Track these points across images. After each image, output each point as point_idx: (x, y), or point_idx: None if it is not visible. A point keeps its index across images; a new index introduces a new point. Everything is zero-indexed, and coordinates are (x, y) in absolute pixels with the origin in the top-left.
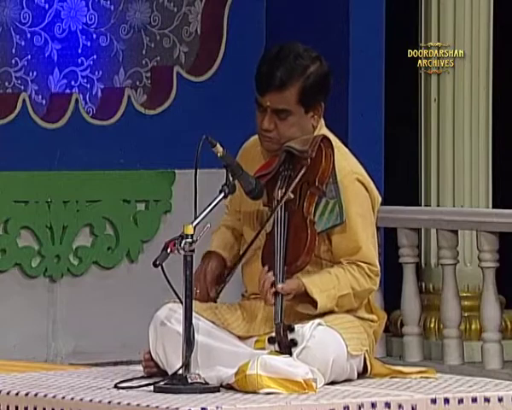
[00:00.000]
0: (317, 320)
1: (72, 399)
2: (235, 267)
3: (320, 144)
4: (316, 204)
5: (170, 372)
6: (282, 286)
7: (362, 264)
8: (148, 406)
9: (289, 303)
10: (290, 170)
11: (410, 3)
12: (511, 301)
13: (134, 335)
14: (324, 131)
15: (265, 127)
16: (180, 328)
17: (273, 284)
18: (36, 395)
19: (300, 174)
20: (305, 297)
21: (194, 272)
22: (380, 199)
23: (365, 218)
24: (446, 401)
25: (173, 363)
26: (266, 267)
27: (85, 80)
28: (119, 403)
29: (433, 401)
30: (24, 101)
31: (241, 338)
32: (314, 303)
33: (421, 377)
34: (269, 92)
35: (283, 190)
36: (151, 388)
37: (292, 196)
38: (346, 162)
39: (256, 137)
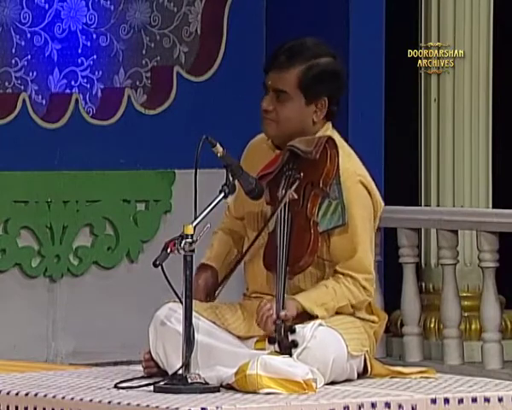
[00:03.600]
0: (318, 321)
1: (72, 399)
2: (234, 269)
3: (325, 145)
4: (319, 205)
5: (170, 372)
6: (285, 313)
7: (357, 275)
8: (148, 406)
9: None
10: (294, 170)
11: (410, 3)
12: (511, 301)
13: (134, 335)
14: (330, 132)
15: (264, 107)
16: (180, 328)
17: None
18: (36, 395)
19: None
20: (305, 314)
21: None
22: (382, 204)
23: (365, 221)
24: (446, 401)
25: (173, 363)
26: (265, 301)
27: (85, 80)
28: (119, 403)
29: (433, 401)
30: (24, 101)
31: (241, 338)
32: (312, 318)
33: (421, 377)
34: (271, 71)
35: (287, 190)
36: (151, 388)
37: (295, 196)
38: (349, 164)
39: (263, 134)
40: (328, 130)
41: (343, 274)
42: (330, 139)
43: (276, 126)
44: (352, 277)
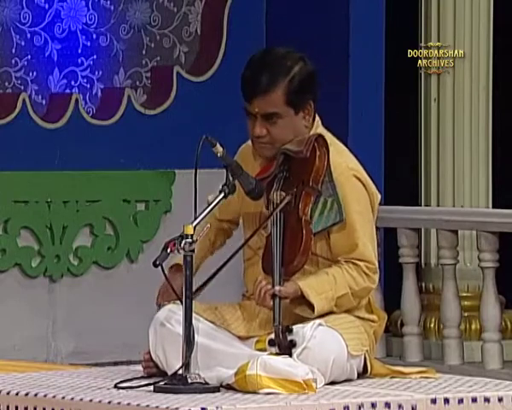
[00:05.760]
0: (318, 321)
1: (72, 399)
2: (220, 269)
3: (314, 143)
4: (314, 204)
5: (170, 374)
6: (279, 288)
7: (359, 262)
8: (148, 406)
9: (288, 306)
10: (286, 171)
11: (410, 3)
12: (511, 301)
13: (134, 335)
14: (320, 129)
15: (257, 134)
16: (180, 329)
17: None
18: (36, 395)
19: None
20: (303, 300)
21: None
22: (379, 195)
23: (363, 215)
24: (446, 401)
25: (173, 364)
26: (261, 277)
27: (85, 80)
28: (119, 403)
29: (433, 401)
30: (24, 101)
31: (241, 339)
32: (311, 306)
33: (421, 377)
34: (255, 98)
35: (279, 192)
36: (151, 388)
37: (288, 198)
38: (341, 159)
39: (249, 142)
40: (319, 127)
41: (345, 261)
42: (320, 137)
43: (272, 147)
44: (354, 263)
